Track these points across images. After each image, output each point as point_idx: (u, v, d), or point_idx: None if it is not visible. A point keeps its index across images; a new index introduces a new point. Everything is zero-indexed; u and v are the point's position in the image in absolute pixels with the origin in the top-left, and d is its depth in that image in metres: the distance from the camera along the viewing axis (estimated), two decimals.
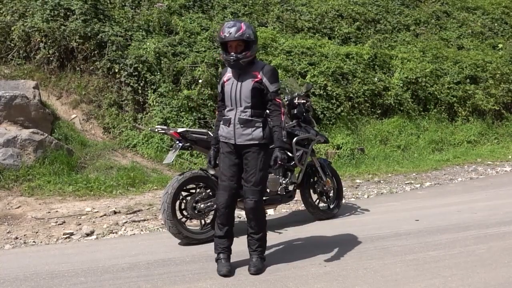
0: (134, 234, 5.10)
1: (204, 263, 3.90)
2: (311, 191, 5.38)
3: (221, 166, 3.86)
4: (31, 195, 6.12)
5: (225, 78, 3.83)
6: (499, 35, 14.23)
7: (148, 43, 8.54)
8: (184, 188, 4.55)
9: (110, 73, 8.27)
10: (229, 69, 3.82)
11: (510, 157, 9.80)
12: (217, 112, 4.03)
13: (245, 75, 3.72)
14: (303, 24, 11.34)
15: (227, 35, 3.59)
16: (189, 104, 8.21)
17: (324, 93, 9.50)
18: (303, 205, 5.53)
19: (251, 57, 3.70)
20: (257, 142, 3.71)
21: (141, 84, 8.25)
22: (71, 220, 5.42)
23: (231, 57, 3.64)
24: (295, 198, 5.35)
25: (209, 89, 8.39)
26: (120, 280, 3.69)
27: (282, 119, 3.68)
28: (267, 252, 4.06)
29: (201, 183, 4.60)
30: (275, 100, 3.70)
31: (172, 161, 4.75)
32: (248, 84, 3.69)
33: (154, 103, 8.17)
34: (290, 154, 5.06)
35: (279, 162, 3.67)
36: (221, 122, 3.85)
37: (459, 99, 11.34)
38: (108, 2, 9.20)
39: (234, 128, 3.74)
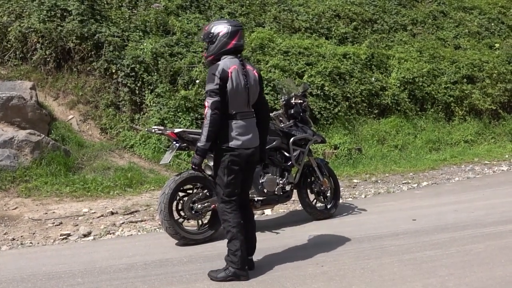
0: (131, 234, 5.09)
1: (202, 264, 3.90)
2: (309, 191, 5.38)
3: None
4: (28, 196, 6.11)
5: None
6: (496, 35, 14.23)
7: (145, 44, 8.53)
8: (181, 188, 4.55)
9: (107, 73, 8.26)
10: None
11: (507, 156, 9.82)
12: None
13: None
14: (300, 24, 11.33)
15: None
16: (186, 104, 8.20)
17: (321, 93, 9.50)
18: (300, 205, 5.53)
19: (208, 58, 3.71)
20: None
21: (138, 85, 8.24)
22: (68, 221, 5.41)
23: None
24: (293, 198, 5.35)
25: None
26: (117, 281, 3.69)
27: (204, 122, 3.49)
28: (266, 252, 4.06)
29: (198, 184, 4.60)
30: (204, 101, 3.59)
31: (169, 162, 4.74)
32: None
33: (151, 104, 8.16)
34: (287, 154, 5.07)
35: (191, 166, 3.59)
36: None
37: (456, 98, 11.35)
38: (105, 2, 9.18)
39: None
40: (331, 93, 9.57)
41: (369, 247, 4.36)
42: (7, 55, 8.11)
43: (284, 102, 5.40)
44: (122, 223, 5.40)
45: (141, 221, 5.49)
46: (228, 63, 3.58)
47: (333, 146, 9.04)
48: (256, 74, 3.72)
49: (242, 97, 3.59)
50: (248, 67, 3.70)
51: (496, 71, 12.09)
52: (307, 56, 10.02)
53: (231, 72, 3.53)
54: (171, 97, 8.21)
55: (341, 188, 5.99)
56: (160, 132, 4.67)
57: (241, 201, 3.75)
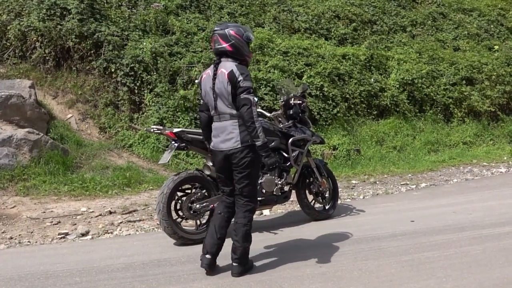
0: (129, 234, 5.09)
1: (199, 264, 3.89)
2: (307, 191, 5.39)
3: None
4: (26, 195, 6.10)
5: None
6: (495, 36, 14.27)
7: (144, 43, 8.53)
8: (180, 188, 4.55)
9: (106, 72, 8.26)
10: None
11: (505, 158, 9.84)
12: None
13: None
14: (299, 24, 11.34)
15: None
16: (185, 104, 8.20)
17: (321, 94, 9.51)
18: (298, 205, 5.53)
19: None
20: None
21: (137, 84, 8.24)
22: (66, 220, 5.41)
23: None
24: (291, 199, 5.35)
25: None
26: (115, 281, 3.68)
27: None
28: (264, 252, 4.06)
29: (196, 184, 4.60)
30: None
31: (168, 161, 4.74)
32: None
33: (150, 103, 8.16)
34: (285, 155, 5.07)
35: None
36: None
37: (455, 100, 11.37)
38: (105, 1, 9.18)
39: None
40: (330, 93, 9.58)
41: (367, 248, 4.36)
42: (7, 53, 8.11)
43: (283, 102, 5.40)
44: (120, 223, 5.40)
45: (140, 220, 5.49)
46: (207, 69, 3.77)
47: (332, 147, 9.04)
48: (226, 77, 3.53)
49: (211, 100, 3.67)
50: (221, 69, 3.58)
51: (495, 73, 12.12)
52: (306, 56, 10.03)
53: (203, 78, 3.74)
54: (170, 97, 8.21)
55: (339, 189, 5.99)
56: (159, 131, 4.66)
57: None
